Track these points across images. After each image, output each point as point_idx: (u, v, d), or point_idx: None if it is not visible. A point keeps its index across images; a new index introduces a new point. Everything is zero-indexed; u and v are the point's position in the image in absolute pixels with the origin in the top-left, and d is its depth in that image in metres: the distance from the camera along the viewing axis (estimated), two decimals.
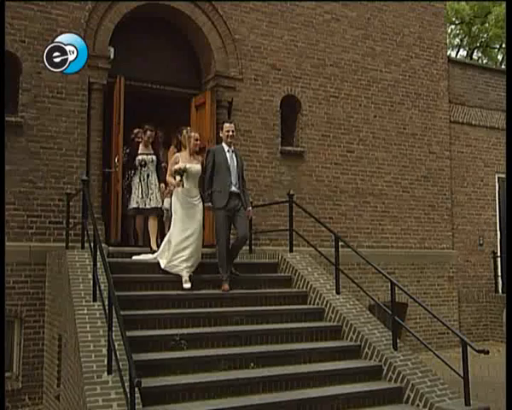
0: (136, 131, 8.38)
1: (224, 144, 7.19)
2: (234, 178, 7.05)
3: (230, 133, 7.18)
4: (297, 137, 9.92)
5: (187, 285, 6.77)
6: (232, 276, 7.10)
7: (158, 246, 7.55)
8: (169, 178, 7.06)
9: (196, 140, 7.08)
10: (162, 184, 8.05)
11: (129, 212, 8.06)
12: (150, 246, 7.74)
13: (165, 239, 7.14)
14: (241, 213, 7.07)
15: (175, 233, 6.90)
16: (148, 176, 7.98)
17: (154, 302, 6.48)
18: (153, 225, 7.94)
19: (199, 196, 7.03)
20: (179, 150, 7.89)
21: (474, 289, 11.70)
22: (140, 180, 7.97)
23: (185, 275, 6.81)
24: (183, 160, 6.95)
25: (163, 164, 8.21)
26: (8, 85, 7.46)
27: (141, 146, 8.11)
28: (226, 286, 6.89)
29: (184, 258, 6.81)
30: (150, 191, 7.93)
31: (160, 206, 8.03)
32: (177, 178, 6.80)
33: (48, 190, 7.89)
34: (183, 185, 6.80)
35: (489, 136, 12.20)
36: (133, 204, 7.95)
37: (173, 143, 8.29)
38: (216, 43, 9.22)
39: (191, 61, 9.54)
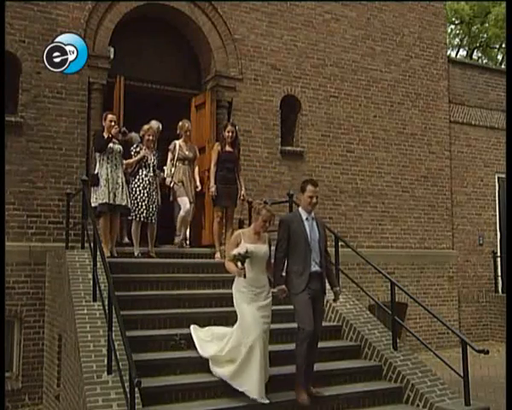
0: (180, 124, 8.20)
1: (301, 210, 5.57)
2: (315, 254, 5.43)
3: (314, 200, 5.52)
4: (297, 137, 9.92)
5: (264, 401, 5.10)
6: (312, 391, 5.43)
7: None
8: (228, 264, 5.31)
9: (265, 221, 5.31)
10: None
11: (100, 208, 7.03)
12: (106, 248, 6.83)
13: (225, 340, 5.44)
14: (319, 302, 5.51)
15: (236, 338, 5.27)
16: (115, 167, 7.21)
17: (154, 302, 6.47)
18: (115, 225, 7.29)
19: (268, 287, 5.39)
20: (223, 147, 7.65)
21: (474, 289, 11.70)
22: (108, 171, 7.15)
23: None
24: (245, 239, 5.31)
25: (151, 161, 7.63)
26: (8, 85, 7.46)
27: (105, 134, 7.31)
28: (304, 396, 5.27)
29: (251, 383, 5.09)
30: (117, 185, 7.17)
31: (124, 204, 7.23)
32: (239, 264, 5.18)
33: (48, 190, 7.90)
34: (244, 276, 5.18)
35: (489, 136, 12.20)
36: (104, 198, 7.04)
37: (219, 139, 7.97)
38: (216, 43, 9.23)
39: (191, 61, 9.55)
